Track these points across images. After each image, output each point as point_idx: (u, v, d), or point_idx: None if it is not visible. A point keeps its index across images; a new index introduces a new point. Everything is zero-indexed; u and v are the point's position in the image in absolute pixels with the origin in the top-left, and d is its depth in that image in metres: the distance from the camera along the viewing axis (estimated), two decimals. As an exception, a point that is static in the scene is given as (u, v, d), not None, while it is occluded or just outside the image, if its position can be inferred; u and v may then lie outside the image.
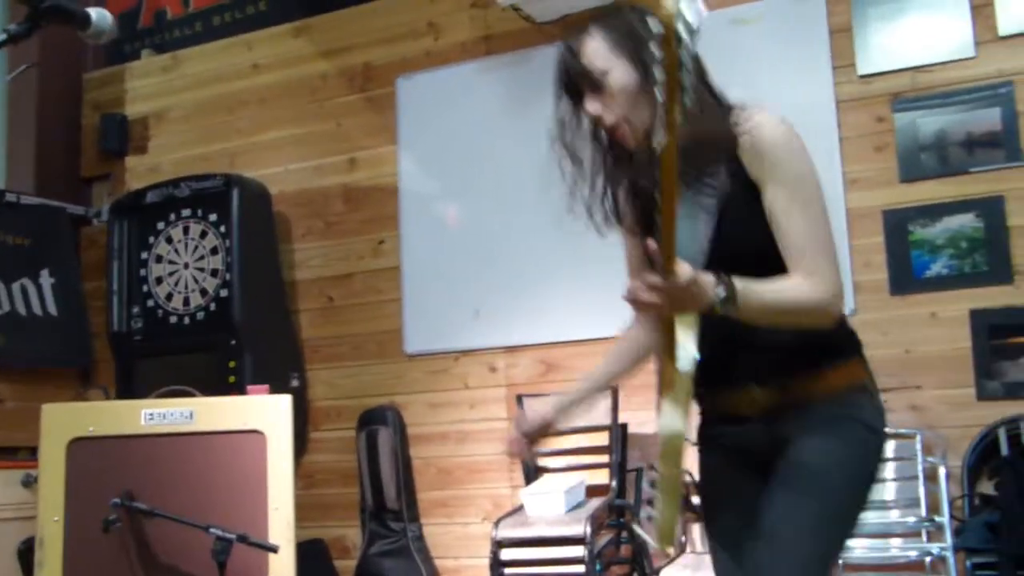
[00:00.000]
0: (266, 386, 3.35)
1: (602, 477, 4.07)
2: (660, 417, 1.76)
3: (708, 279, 1.63)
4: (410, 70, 4.91)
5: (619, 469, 4.02)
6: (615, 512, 3.97)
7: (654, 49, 1.40)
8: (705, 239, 1.82)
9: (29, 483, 4.04)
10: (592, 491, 4.05)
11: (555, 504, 3.86)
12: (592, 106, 1.89)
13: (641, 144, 1.86)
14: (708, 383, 1.87)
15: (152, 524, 3.07)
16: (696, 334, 1.70)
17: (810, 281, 1.77)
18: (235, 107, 5.38)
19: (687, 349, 1.70)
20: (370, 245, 4.94)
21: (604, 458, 4.09)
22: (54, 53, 5.53)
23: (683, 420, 1.74)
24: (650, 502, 1.91)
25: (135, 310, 4.95)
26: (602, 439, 4.09)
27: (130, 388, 4.87)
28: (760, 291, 1.70)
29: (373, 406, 4.75)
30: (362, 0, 5.12)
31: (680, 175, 1.59)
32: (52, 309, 5.25)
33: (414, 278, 4.76)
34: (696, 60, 1.60)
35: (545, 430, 2.10)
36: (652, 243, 1.55)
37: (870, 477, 1.86)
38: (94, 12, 1.83)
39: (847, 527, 1.85)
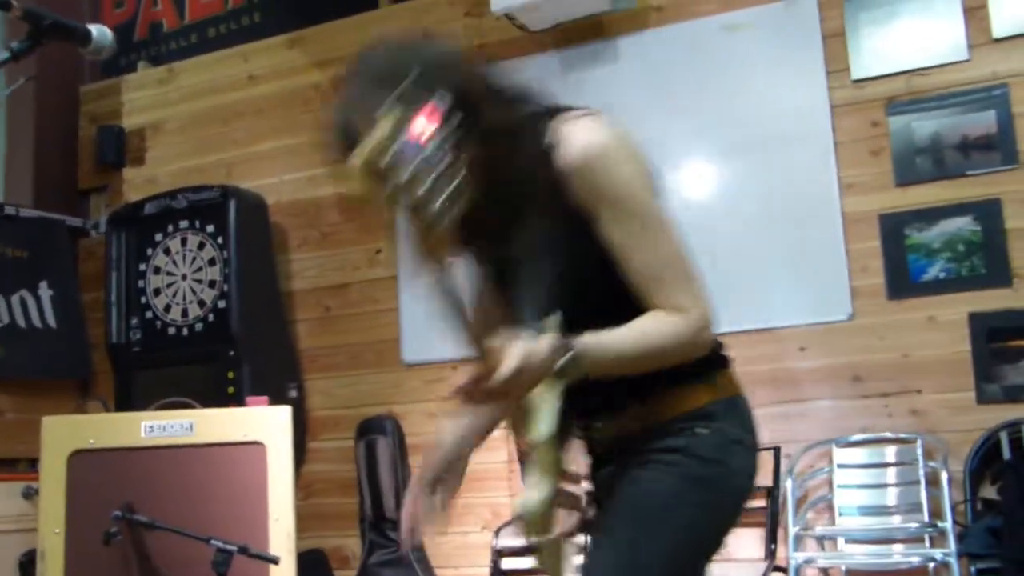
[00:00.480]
0: (265, 397, 3.35)
1: (602, 484, 4.06)
2: (522, 492, 1.57)
3: (543, 348, 1.41)
4: (405, 79, 4.90)
5: (619, 476, 4.01)
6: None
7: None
8: (547, 286, 1.56)
9: (30, 495, 4.04)
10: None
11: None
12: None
13: None
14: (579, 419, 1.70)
15: (153, 536, 3.07)
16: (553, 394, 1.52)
17: (674, 317, 1.55)
18: (231, 118, 5.39)
19: (540, 418, 1.53)
20: (366, 255, 4.94)
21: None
22: (51, 66, 5.54)
23: (543, 490, 1.54)
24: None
25: (134, 321, 4.95)
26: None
27: (129, 400, 4.87)
28: (615, 342, 1.51)
29: (371, 416, 4.75)
30: (356, 11, 5.13)
31: (500, 220, 1.53)
32: (51, 321, 5.25)
33: (410, 287, 4.77)
34: (467, 96, 1.46)
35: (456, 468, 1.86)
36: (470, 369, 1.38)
37: (704, 514, 1.61)
38: (94, 28, 1.84)
39: (667, 564, 1.59)
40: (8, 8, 1.75)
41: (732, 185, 4.25)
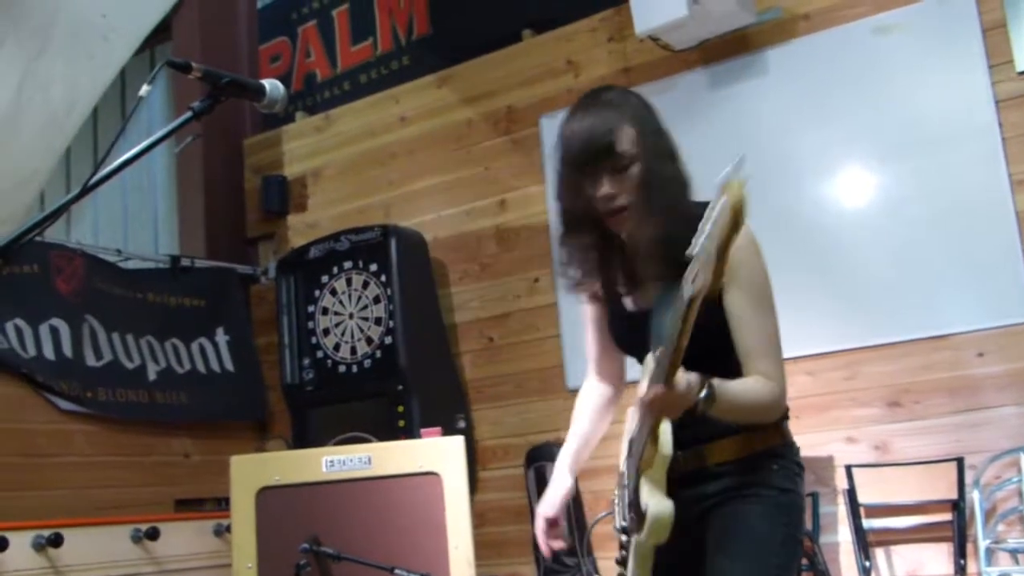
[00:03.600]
0: (439, 428, 3.43)
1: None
2: (646, 496, 1.93)
3: (695, 381, 1.79)
4: (552, 109, 4.96)
5: (794, 494, 3.93)
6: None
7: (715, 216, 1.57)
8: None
9: (221, 532, 4.22)
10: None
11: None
12: (610, 185, 2.00)
13: (630, 230, 2.02)
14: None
15: (339, 567, 3.17)
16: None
17: (771, 384, 1.96)
18: (386, 160, 5.55)
19: (667, 434, 1.92)
20: (525, 284, 5.00)
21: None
22: (216, 123, 5.81)
23: (666, 498, 1.92)
24: (623, 562, 2.08)
25: (306, 362, 5.13)
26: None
27: (305, 437, 5.04)
28: (734, 391, 1.88)
29: (540, 443, 4.78)
30: (499, 45, 5.23)
31: (662, 263, 1.92)
32: (229, 365, 5.51)
33: (571, 313, 4.79)
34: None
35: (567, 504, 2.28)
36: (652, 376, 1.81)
37: (792, 531, 2.04)
38: (267, 83, 1.94)
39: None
40: (188, 70, 1.87)
41: (893, 190, 4.12)
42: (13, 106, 4.71)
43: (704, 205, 1.75)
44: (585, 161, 1.99)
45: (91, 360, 4.89)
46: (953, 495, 3.76)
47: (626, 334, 2.20)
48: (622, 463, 2.17)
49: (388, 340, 4.86)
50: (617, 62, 4.84)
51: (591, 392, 2.39)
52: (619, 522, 2.11)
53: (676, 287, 1.76)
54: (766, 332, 1.99)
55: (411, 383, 4.76)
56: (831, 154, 4.23)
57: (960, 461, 3.79)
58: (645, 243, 1.97)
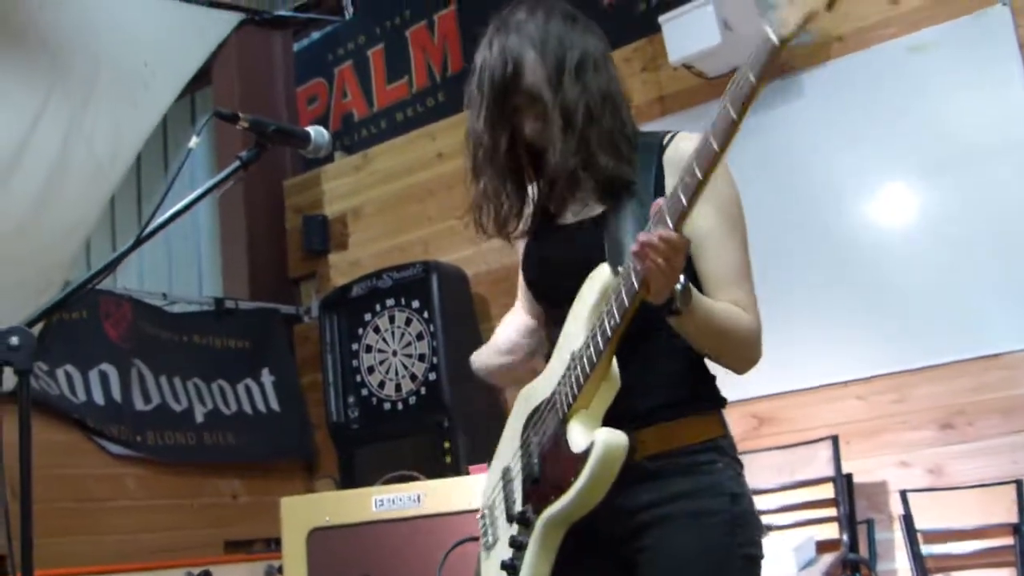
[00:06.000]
0: (485, 464, 3.41)
1: (830, 531, 3.93)
2: (580, 436, 1.64)
3: (682, 254, 1.54)
4: (589, 140, 4.96)
5: (849, 522, 3.87)
6: (849, 567, 3.82)
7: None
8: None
9: (272, 573, 4.23)
10: (821, 547, 3.92)
11: (785, 563, 3.74)
12: (530, 126, 1.83)
13: (552, 169, 1.81)
14: None
15: (392, 606, 3.17)
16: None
17: (749, 316, 1.70)
18: (424, 196, 5.59)
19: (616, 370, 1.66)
20: (567, 315, 4.98)
21: (830, 511, 3.95)
22: (256, 165, 5.89)
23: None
24: (511, 565, 1.75)
25: (351, 400, 5.14)
26: (825, 491, 3.96)
27: (352, 475, 5.05)
28: (709, 303, 1.65)
29: (587, 475, 4.75)
30: (534, 78, 5.25)
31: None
32: (275, 405, 5.54)
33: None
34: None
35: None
36: (661, 201, 1.52)
37: (752, 551, 1.74)
38: (312, 130, 1.97)
39: None
40: (235, 120, 1.90)
41: (935, 209, 4.08)
42: (60, 156, 4.80)
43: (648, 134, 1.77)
44: (494, 99, 1.82)
45: (140, 404, 4.94)
46: (1013, 518, 3.69)
47: (561, 249, 1.88)
48: (509, 452, 1.91)
49: (432, 376, 4.86)
50: (651, 91, 4.85)
51: (517, 318, 2.13)
52: (514, 508, 1.80)
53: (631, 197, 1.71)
54: (741, 259, 1.74)
55: (456, 419, 4.76)
56: (870, 175, 4.20)
57: (1019, 483, 3.71)
58: (571, 177, 1.79)
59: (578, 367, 1.65)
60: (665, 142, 1.82)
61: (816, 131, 4.33)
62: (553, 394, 1.74)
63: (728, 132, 1.41)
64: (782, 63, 4.40)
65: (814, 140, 4.35)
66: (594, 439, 1.59)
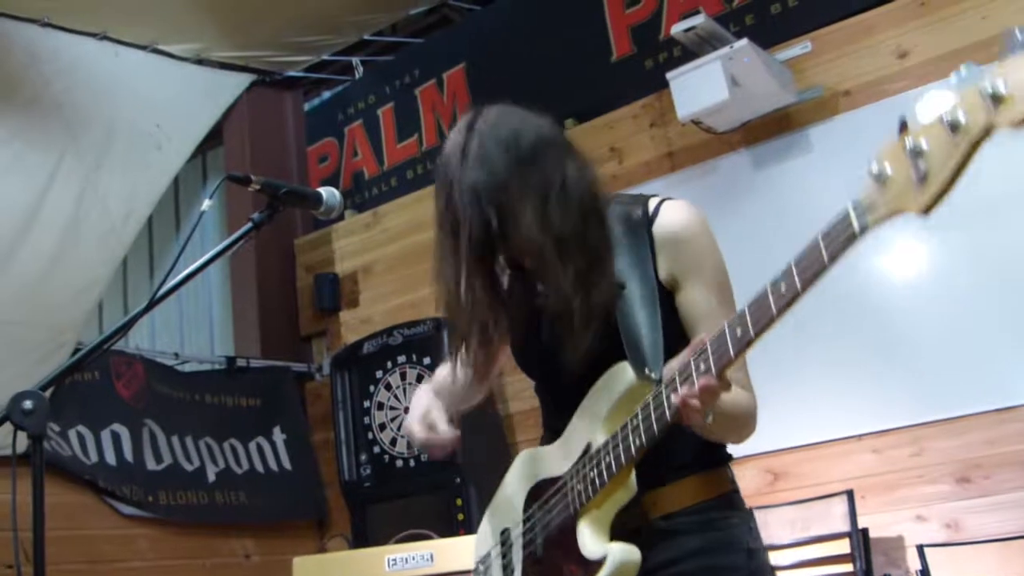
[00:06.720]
0: (496, 522, 3.39)
1: (847, 587, 3.88)
2: (592, 543, 1.62)
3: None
4: (599, 195, 4.99)
5: (866, 577, 3.83)
6: (869, 623, 3.76)
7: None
8: (658, 332, 1.68)
9: (284, 636, 4.18)
10: (839, 603, 3.87)
11: (803, 619, 3.70)
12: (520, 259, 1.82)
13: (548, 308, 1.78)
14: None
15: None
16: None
17: (748, 393, 1.71)
18: (435, 252, 5.59)
19: (633, 479, 1.64)
20: (579, 371, 4.97)
21: (847, 567, 3.90)
22: (267, 225, 5.94)
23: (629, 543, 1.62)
24: None
25: (363, 458, 5.13)
26: (842, 547, 3.91)
27: (364, 534, 5.01)
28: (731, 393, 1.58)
29: (600, 531, 4.71)
30: (544, 135, 5.28)
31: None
32: (286, 464, 5.52)
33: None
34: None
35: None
36: (706, 338, 1.49)
37: None
38: (324, 191, 1.99)
39: None
40: (248, 183, 1.92)
41: (946, 260, 4.07)
42: (73, 217, 4.85)
43: (625, 197, 1.74)
44: (475, 259, 1.79)
45: (151, 464, 4.93)
46: (1038, 576, 3.64)
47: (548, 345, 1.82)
48: (508, 514, 1.88)
49: (444, 433, 4.83)
50: (660, 147, 4.88)
51: (446, 379, 2.10)
52: None
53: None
54: None
55: (469, 476, 4.73)
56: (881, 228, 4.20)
57: (1040, 538, 3.67)
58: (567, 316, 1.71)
59: (595, 470, 1.65)
60: (651, 213, 1.78)
61: (824, 185, 4.33)
62: (564, 480, 1.74)
63: (789, 302, 1.41)
64: (789, 120, 4.46)
65: (822, 194, 4.34)
66: (608, 553, 1.60)
